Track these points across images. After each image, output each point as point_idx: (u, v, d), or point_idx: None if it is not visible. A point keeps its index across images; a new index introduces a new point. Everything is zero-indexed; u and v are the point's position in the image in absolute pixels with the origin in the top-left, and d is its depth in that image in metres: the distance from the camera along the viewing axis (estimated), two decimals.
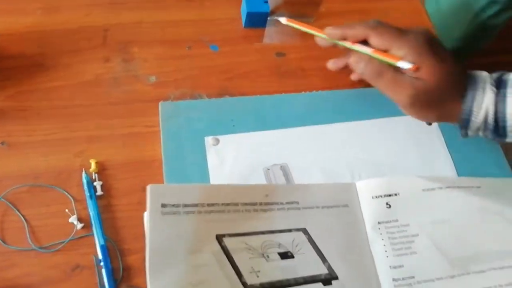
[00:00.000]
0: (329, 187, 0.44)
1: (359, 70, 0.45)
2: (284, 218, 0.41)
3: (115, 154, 0.45)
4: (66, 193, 0.42)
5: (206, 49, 0.54)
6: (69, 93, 0.49)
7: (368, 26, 0.44)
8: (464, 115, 0.42)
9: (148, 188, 0.39)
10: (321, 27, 0.48)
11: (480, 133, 0.44)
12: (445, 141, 0.49)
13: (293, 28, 0.57)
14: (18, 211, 0.41)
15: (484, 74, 0.43)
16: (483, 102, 0.41)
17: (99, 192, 0.42)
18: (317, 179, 0.45)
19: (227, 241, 0.38)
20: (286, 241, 0.39)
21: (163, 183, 0.43)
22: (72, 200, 0.42)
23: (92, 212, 0.41)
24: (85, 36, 0.53)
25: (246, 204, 0.40)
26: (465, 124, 0.43)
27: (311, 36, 0.57)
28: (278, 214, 0.41)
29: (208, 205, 0.39)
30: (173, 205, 0.38)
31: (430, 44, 0.42)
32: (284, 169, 0.45)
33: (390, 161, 0.47)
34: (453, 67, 0.42)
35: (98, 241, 0.39)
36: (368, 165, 0.47)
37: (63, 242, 0.40)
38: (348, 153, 0.47)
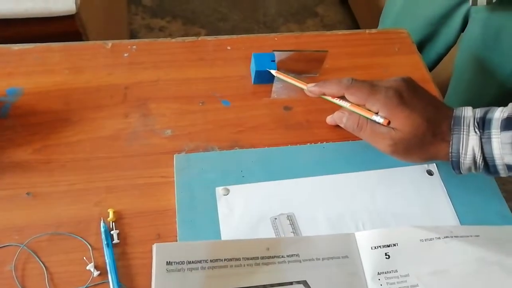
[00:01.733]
0: (329, 238, 0.45)
1: (342, 124, 0.50)
2: (285, 271, 0.42)
3: (132, 204, 0.48)
4: (85, 241, 0.45)
5: (218, 104, 0.58)
6: (91, 146, 0.52)
7: (342, 85, 0.48)
8: (453, 157, 0.45)
9: (154, 247, 0.41)
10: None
11: (473, 171, 0.46)
12: (447, 190, 0.51)
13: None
14: (39, 258, 0.44)
15: (468, 113, 0.45)
16: (468, 145, 0.44)
17: (116, 240, 0.45)
18: (323, 228, 0.47)
19: None
20: None
21: (176, 232, 0.46)
22: (90, 248, 0.44)
23: (108, 260, 0.43)
24: (107, 93, 0.57)
25: (248, 258, 0.42)
26: (456, 165, 0.45)
27: None
28: (279, 267, 0.42)
29: (211, 261, 0.41)
30: (178, 263, 0.41)
31: (400, 96, 0.45)
32: (291, 219, 0.47)
33: (393, 211, 0.49)
34: (430, 112, 0.45)
35: None
36: (372, 214, 0.49)
37: None
38: (353, 203, 0.49)
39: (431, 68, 0.89)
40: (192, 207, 0.48)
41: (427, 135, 0.45)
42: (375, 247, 0.44)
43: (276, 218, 0.47)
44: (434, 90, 0.63)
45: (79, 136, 0.53)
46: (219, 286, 0.40)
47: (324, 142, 0.55)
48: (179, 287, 0.39)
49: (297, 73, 0.62)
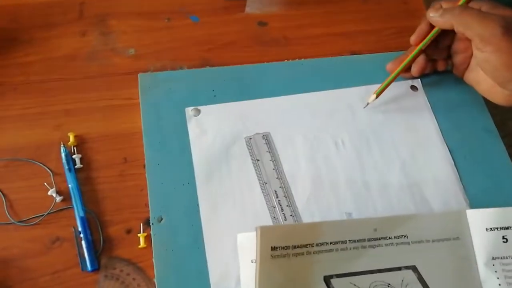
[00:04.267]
0: (439, 217, 0.41)
1: (439, 14, 0.44)
2: (393, 254, 0.38)
3: (94, 127, 0.44)
4: (45, 167, 0.42)
5: (186, 20, 0.53)
6: (45, 67, 0.48)
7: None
8: None
9: (258, 230, 0.36)
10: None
11: None
12: (432, 106, 0.49)
13: None
14: None
15: None
16: None
17: (78, 165, 0.42)
18: (299, 147, 0.44)
19: (335, 283, 0.36)
20: (395, 281, 0.37)
21: (143, 154, 0.43)
22: (51, 174, 0.41)
23: (71, 185, 0.40)
24: (59, 10, 0.51)
25: (354, 241, 0.38)
26: None
27: (293, 5, 0.56)
28: (386, 250, 0.38)
29: (317, 244, 0.37)
30: (282, 248, 0.37)
31: None
32: (267, 138, 0.45)
33: (374, 128, 0.47)
34: None
35: (77, 213, 0.39)
36: (352, 132, 0.46)
37: (42, 215, 0.39)
38: (332, 121, 0.47)
39: None
40: (160, 129, 0.44)
41: None
42: (490, 229, 0.39)
43: (251, 138, 0.44)
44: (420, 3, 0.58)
45: (30, 57, 0.48)
46: (324, 272, 0.36)
47: (302, 59, 0.51)
48: (284, 275, 0.36)
49: None
